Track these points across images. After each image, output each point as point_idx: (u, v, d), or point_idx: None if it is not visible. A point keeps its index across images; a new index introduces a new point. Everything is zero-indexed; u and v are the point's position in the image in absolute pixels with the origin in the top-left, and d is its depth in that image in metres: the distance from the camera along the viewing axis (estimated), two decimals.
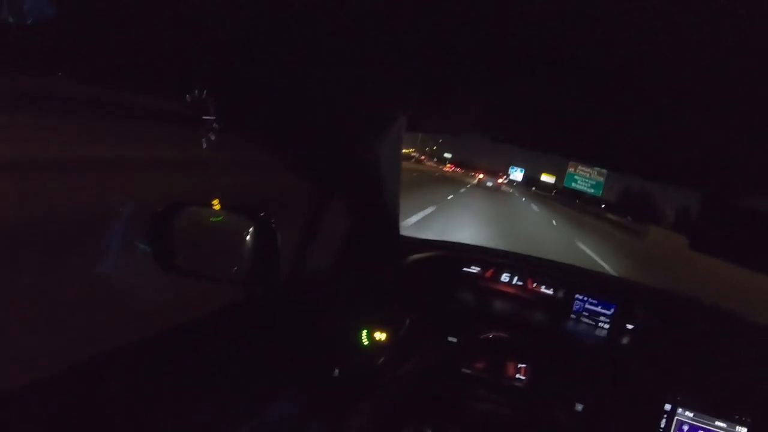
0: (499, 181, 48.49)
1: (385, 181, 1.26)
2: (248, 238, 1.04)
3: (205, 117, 1.00)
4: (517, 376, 1.32)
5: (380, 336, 1.30)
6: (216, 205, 1.01)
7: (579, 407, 1.25)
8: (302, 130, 1.05)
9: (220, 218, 1.04)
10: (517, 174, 62.57)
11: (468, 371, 1.32)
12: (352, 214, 1.38)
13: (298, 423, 1.20)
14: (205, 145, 1.06)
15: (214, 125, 1.01)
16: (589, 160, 1.30)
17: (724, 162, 0.95)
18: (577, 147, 1.32)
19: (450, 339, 1.33)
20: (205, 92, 0.91)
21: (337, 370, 1.26)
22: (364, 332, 1.30)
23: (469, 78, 0.82)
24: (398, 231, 1.50)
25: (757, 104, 0.59)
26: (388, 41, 0.67)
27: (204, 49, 0.78)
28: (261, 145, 1.11)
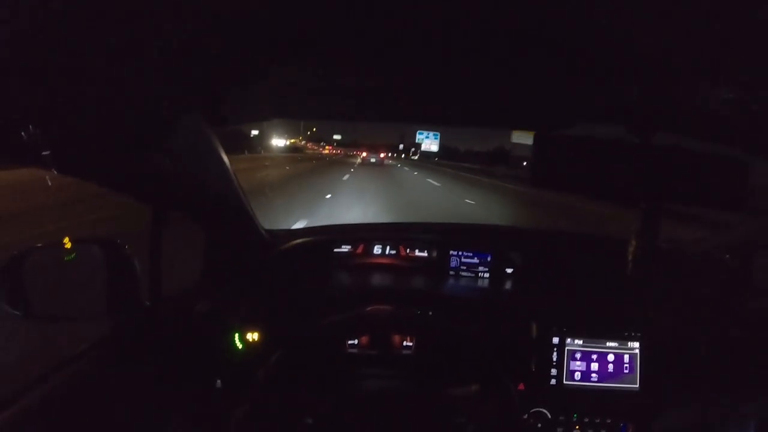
0: (381, 155, 49.41)
1: (212, 181, 1.17)
2: (104, 269, 1.01)
3: (44, 153, 0.89)
4: (403, 344, 1.29)
5: (252, 336, 1.23)
6: (66, 243, 0.97)
7: (467, 359, 1.20)
8: (108, 148, 0.94)
9: (73, 256, 1.00)
10: (429, 142, 54.16)
11: (354, 351, 1.29)
12: (200, 222, 1.31)
13: None
14: (50, 183, 0.95)
15: (49, 161, 0.90)
16: (431, 122, 1.37)
17: (540, 100, 1.02)
18: (415, 112, 1.35)
19: (327, 322, 1.22)
20: (36, 125, 0.80)
21: (218, 381, 1.19)
22: (236, 335, 1.23)
23: (260, 63, 0.79)
24: (256, 226, 1.42)
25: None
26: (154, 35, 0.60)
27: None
28: (87, 175, 0.99)
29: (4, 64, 0.59)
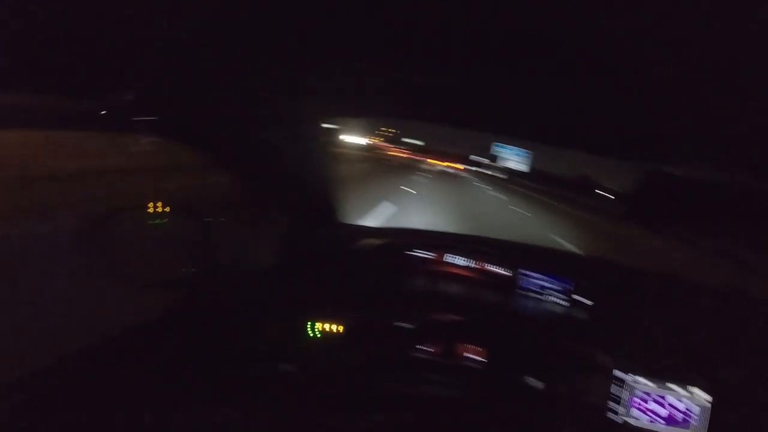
0: (460, 167, 48.24)
1: (317, 171, 1.23)
2: (189, 238, 1.03)
3: (140, 118, 0.96)
4: (472, 357, 1.29)
5: (330, 327, 1.28)
6: (151, 207, 1.01)
7: (536, 384, 1.24)
8: (234, 130, 1.02)
9: (160, 220, 1.03)
10: (509, 156, 48.22)
11: (422, 356, 1.30)
12: (291, 209, 1.36)
13: (249, 423, 1.19)
14: (141, 148, 1.02)
15: (150, 127, 0.98)
16: (523, 136, 1.32)
17: (654, 133, 0.96)
18: (513, 124, 1.33)
19: (400, 324, 1.30)
20: (137, 93, 0.88)
21: (286, 365, 1.24)
22: (314, 324, 1.28)
23: (380, 61, 0.81)
24: (339, 220, 1.47)
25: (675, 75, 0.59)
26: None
27: (132, 50, 0.75)
28: (197, 147, 1.07)
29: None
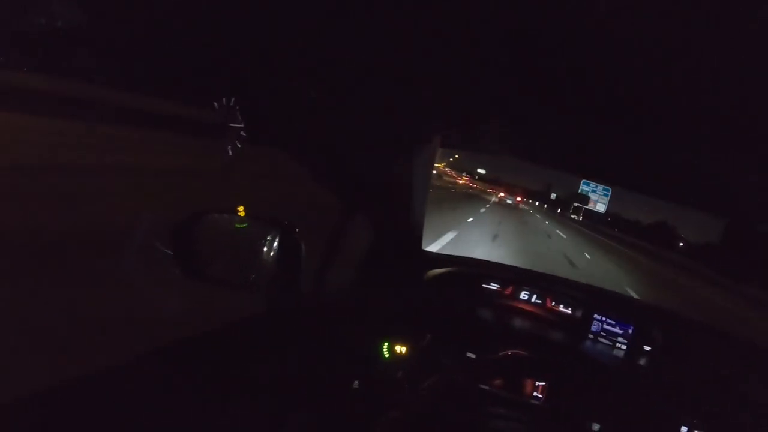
0: (518, 199, 47.18)
1: (414, 197, 1.27)
2: (271, 246, 1.04)
3: (232, 125, 1.02)
4: (535, 394, 1.31)
5: (401, 349, 1.30)
6: (240, 212, 1.02)
7: (596, 427, 1.23)
8: (334, 143, 1.06)
9: (245, 225, 1.04)
10: (596, 197, 38.94)
11: (486, 387, 1.31)
12: (376, 229, 1.40)
13: None
14: (231, 154, 1.07)
15: (242, 134, 1.03)
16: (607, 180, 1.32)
17: (744, 189, 0.94)
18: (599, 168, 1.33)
19: (469, 355, 1.33)
20: (232, 101, 0.93)
21: (356, 382, 1.25)
22: (385, 345, 1.30)
23: (499, 102, 0.83)
24: (420, 246, 1.51)
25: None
26: (427, 62, 0.69)
27: (235, 59, 0.79)
28: (291, 157, 1.13)
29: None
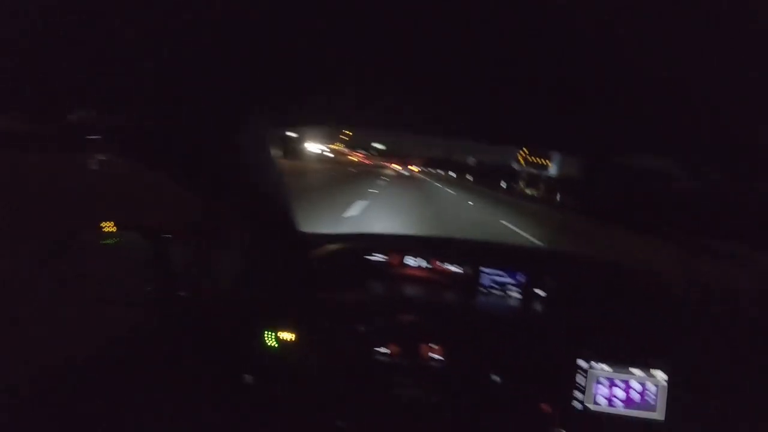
0: (414, 169, 48.02)
1: (265, 179, 1.22)
2: (145, 257, 1.02)
3: (90, 137, 0.94)
4: (432, 356, 1.31)
5: (287, 336, 1.28)
6: (110, 227, 1.01)
7: (497, 378, 1.25)
8: (190, 140, 1.00)
9: (115, 240, 1.04)
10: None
11: (382, 359, 1.30)
12: (244, 219, 1.36)
13: None
14: (95, 167, 1.01)
15: (102, 145, 0.96)
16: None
17: (605, 125, 0.95)
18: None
19: (360, 328, 1.30)
20: (88, 110, 0.86)
21: (249, 377, 1.24)
22: (270, 334, 1.28)
23: (327, 72, 0.80)
24: (295, 228, 1.46)
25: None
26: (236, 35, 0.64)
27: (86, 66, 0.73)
28: (152, 162, 1.04)
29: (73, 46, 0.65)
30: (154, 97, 0.83)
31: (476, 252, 1.67)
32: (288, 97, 1.00)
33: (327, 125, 1.40)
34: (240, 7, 0.56)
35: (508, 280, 1.56)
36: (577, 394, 1.24)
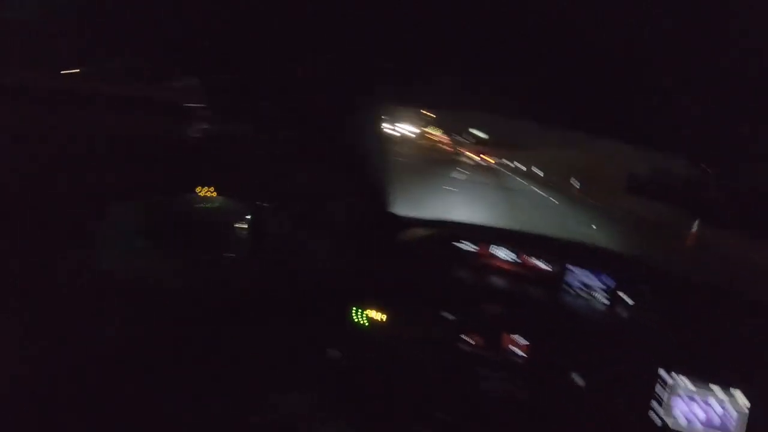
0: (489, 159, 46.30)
1: (373, 162, 1.26)
2: (244, 223, 1.05)
3: (193, 105, 0.96)
4: (515, 350, 1.32)
5: (377, 315, 1.32)
6: (211, 191, 1.03)
7: (577, 379, 1.25)
8: (291, 115, 1.03)
9: (215, 204, 1.06)
10: None
11: (466, 348, 1.32)
12: (344, 197, 1.40)
13: (307, 410, 1.21)
14: (196, 134, 1.03)
15: (204, 113, 0.98)
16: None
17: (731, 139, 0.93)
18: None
19: (446, 316, 1.33)
20: (192, 78, 0.87)
21: (334, 351, 1.28)
22: (362, 312, 1.33)
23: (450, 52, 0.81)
24: (388, 210, 1.50)
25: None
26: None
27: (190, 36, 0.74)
28: (255, 133, 1.09)
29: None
30: (273, 67, 0.85)
31: (565, 250, 1.65)
32: (407, 77, 0.99)
33: (444, 107, 1.42)
34: None
35: (596, 282, 1.52)
36: (655, 405, 1.21)
